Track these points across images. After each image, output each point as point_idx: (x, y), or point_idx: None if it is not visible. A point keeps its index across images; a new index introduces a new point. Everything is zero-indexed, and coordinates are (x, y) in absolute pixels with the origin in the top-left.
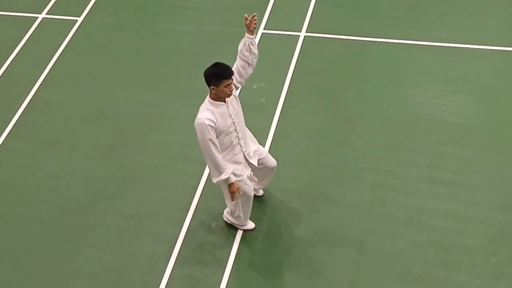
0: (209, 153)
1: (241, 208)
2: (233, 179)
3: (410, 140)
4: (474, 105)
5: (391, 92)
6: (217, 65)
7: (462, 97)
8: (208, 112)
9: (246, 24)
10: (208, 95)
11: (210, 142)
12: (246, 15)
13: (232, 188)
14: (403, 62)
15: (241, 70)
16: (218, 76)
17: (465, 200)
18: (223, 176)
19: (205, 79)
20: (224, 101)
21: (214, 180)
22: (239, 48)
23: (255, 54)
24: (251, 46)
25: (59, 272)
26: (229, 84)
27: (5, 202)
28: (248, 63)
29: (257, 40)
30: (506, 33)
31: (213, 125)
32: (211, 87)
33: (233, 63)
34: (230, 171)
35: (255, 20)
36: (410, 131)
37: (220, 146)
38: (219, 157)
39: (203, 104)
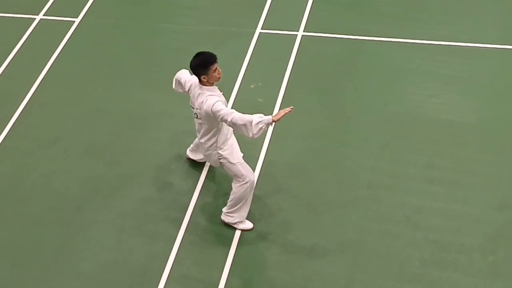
0: (235, 120)
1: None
2: (268, 118)
3: (407, 139)
4: (471, 104)
5: (388, 90)
6: (199, 55)
7: (459, 95)
8: (215, 97)
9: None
10: (202, 85)
11: (229, 111)
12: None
13: (280, 116)
14: (400, 60)
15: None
16: (204, 64)
17: (462, 199)
18: (260, 124)
19: (193, 72)
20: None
21: (259, 131)
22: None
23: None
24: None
25: (55, 271)
26: (216, 68)
27: (1, 201)
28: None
29: (254, 39)
30: (503, 32)
31: (224, 102)
32: (202, 76)
33: (230, 63)
34: (258, 116)
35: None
36: (407, 129)
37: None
38: (242, 115)
39: (203, 95)
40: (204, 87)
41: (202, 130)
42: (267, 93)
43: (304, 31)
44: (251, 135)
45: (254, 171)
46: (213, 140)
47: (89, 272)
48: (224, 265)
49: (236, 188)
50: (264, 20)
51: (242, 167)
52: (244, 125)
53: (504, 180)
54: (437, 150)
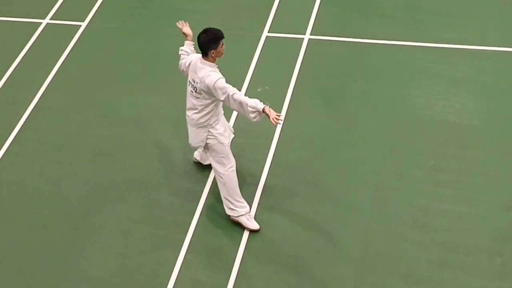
0: (236, 96)
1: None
2: (261, 105)
3: (414, 141)
4: (477, 106)
5: (395, 93)
6: (207, 30)
7: (465, 98)
8: (218, 73)
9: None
10: (205, 60)
11: (234, 90)
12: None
13: (267, 112)
14: (406, 63)
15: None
16: (215, 39)
17: (469, 200)
18: (259, 105)
19: (203, 46)
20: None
21: (255, 118)
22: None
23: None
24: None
25: (63, 276)
26: (223, 44)
27: (8, 206)
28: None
29: (261, 43)
30: (509, 34)
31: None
32: (211, 51)
33: (237, 66)
34: (254, 100)
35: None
36: (413, 132)
37: (217, 109)
38: (243, 96)
39: (205, 69)
40: (206, 62)
41: (198, 106)
42: (274, 96)
43: (310, 35)
44: (251, 120)
45: (262, 173)
46: (207, 117)
47: (97, 278)
48: (232, 268)
49: (225, 176)
50: (271, 24)
51: (229, 150)
52: (242, 106)
53: (511, 182)
54: (443, 152)
